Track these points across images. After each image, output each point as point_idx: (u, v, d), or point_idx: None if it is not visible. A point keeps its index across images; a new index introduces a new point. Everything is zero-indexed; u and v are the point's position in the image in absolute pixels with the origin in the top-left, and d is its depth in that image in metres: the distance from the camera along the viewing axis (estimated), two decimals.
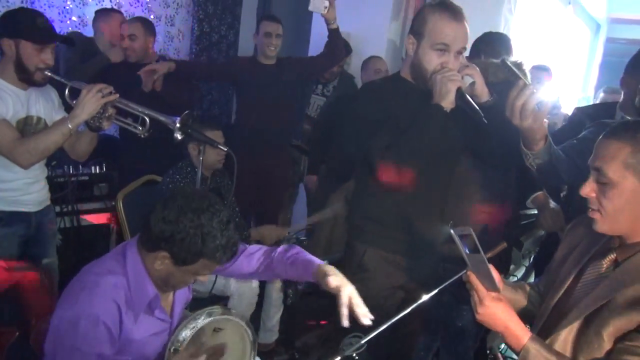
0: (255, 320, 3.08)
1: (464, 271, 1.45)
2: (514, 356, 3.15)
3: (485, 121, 1.81)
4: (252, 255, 1.88)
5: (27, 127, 2.29)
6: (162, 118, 2.16)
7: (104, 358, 1.50)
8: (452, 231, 1.39)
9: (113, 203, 2.92)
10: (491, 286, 1.39)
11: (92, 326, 1.44)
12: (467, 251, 1.40)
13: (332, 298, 3.68)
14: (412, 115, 1.89)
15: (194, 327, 1.66)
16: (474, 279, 1.40)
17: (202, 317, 1.69)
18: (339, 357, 1.59)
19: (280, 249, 1.86)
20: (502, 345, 3.22)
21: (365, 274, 2.04)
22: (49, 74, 2.26)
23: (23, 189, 2.35)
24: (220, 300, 2.78)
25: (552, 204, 2.49)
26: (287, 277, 1.89)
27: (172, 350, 1.65)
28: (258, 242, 2.91)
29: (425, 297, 1.71)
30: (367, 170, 2.02)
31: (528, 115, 1.63)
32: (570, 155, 1.91)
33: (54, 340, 1.46)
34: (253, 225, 3.73)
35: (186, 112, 2.15)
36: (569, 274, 1.50)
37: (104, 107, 2.20)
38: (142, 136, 2.21)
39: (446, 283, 1.82)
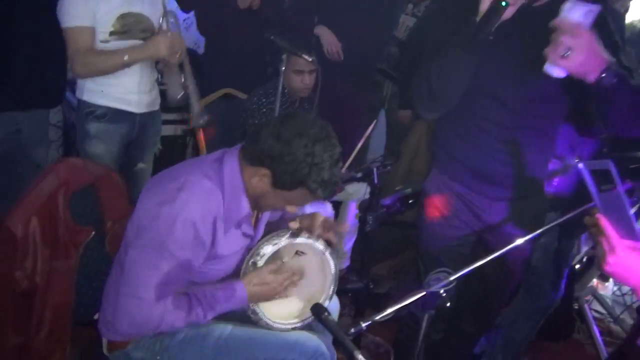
0: None
1: (584, 207, 1.23)
2: (601, 309, 2.93)
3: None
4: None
5: (128, 23, 2.25)
6: None
7: (190, 266, 1.45)
8: (581, 165, 1.16)
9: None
10: (628, 233, 1.15)
11: (187, 230, 1.39)
12: (598, 189, 1.17)
13: (407, 229, 3.55)
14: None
15: (276, 243, 1.57)
16: (604, 222, 1.17)
17: (286, 236, 1.58)
18: (424, 293, 1.46)
19: None
20: (589, 297, 3.00)
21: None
22: None
23: (129, 87, 2.34)
24: None
25: None
26: None
27: (250, 263, 1.57)
28: None
29: (520, 241, 1.54)
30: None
31: None
32: None
33: (142, 235, 1.41)
34: None
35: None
36: None
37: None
38: None
39: (553, 223, 1.63)
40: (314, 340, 1.62)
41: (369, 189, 2.07)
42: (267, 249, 1.56)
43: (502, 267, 1.83)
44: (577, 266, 2.99)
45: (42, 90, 2.40)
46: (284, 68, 2.11)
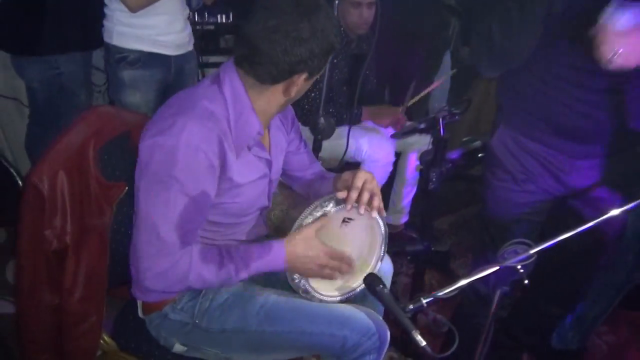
0: (384, 197, 2.82)
1: None
2: None
3: None
4: (315, 163, 1.71)
5: None
6: None
7: (206, 198, 1.30)
8: None
9: None
10: None
11: (192, 155, 1.23)
12: None
13: (471, 183, 3.30)
14: None
15: (322, 214, 1.39)
16: None
17: (331, 204, 1.40)
18: (498, 267, 1.25)
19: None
20: None
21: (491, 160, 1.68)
22: None
23: (161, 27, 2.19)
24: (350, 167, 2.52)
25: None
26: (315, 194, 1.65)
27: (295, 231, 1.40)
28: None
29: (616, 211, 1.29)
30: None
31: None
32: None
33: (145, 173, 1.27)
34: (387, 97, 3.33)
35: None
36: None
37: None
38: None
39: None
40: (365, 320, 1.46)
41: (431, 140, 1.84)
42: (313, 221, 1.40)
43: (590, 238, 1.58)
44: None
45: (81, 32, 2.28)
46: (337, 1, 1.86)
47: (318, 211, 1.40)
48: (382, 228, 1.53)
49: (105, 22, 2.23)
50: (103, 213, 1.44)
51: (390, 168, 2.64)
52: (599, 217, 1.26)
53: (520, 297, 1.83)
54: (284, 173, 1.69)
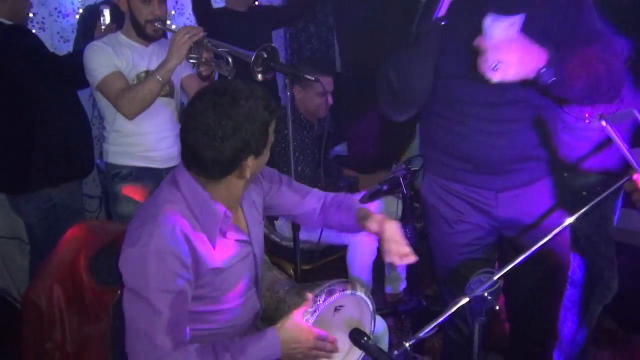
0: (378, 268, 2.88)
1: (627, 177, 1.09)
2: None
3: None
4: (310, 193, 1.75)
5: None
6: (241, 51, 1.98)
7: (185, 295, 1.35)
8: (604, 122, 1.03)
9: None
10: None
11: (162, 261, 1.30)
12: (629, 147, 1.03)
13: None
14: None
15: (315, 311, 1.46)
16: None
17: (322, 298, 1.47)
18: (468, 299, 1.33)
19: (332, 194, 1.75)
20: None
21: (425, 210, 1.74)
22: (160, 25, 2.29)
23: (151, 144, 2.38)
24: (335, 251, 2.59)
25: None
26: (337, 224, 1.73)
27: None
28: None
29: (569, 220, 1.38)
30: None
31: None
32: None
33: (125, 286, 1.34)
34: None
35: (265, 45, 1.95)
36: None
37: (199, 52, 2.17)
38: (229, 77, 2.08)
39: (600, 197, 1.47)
40: None
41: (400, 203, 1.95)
42: (308, 319, 1.45)
43: (548, 260, 1.65)
44: None
45: (69, 163, 2.47)
46: (290, 93, 2.05)
47: (311, 308, 1.46)
48: (370, 305, 1.60)
49: (103, 144, 2.45)
50: (100, 319, 1.53)
51: (376, 245, 2.70)
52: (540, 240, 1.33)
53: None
54: (294, 219, 1.76)
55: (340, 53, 3.62)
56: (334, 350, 1.50)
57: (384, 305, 2.74)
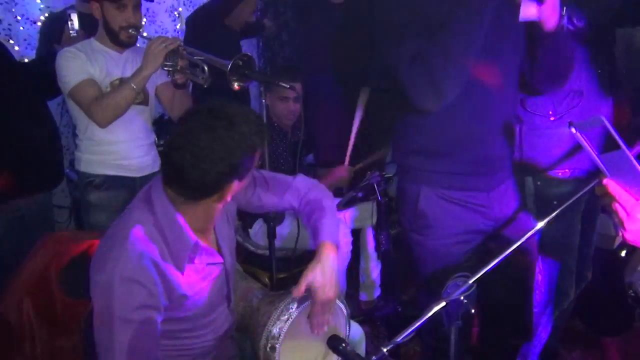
0: (353, 275, 2.89)
1: (595, 181, 1.11)
2: None
3: None
4: (289, 190, 1.69)
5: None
6: (217, 60, 1.97)
7: (152, 324, 1.32)
8: (573, 129, 1.05)
9: None
10: None
11: (128, 288, 1.27)
12: (598, 152, 1.06)
13: None
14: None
15: (287, 318, 1.47)
16: (614, 187, 1.05)
17: (295, 305, 1.48)
18: (444, 303, 1.34)
19: (307, 198, 1.69)
20: None
21: (423, 221, 1.73)
22: (134, 32, 2.26)
23: (124, 152, 2.35)
24: (310, 259, 2.59)
25: None
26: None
27: (268, 348, 1.47)
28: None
29: (541, 224, 1.42)
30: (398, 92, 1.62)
31: None
32: None
33: (94, 311, 1.31)
34: None
35: (241, 54, 1.94)
36: None
37: (174, 60, 2.15)
38: (205, 85, 2.08)
39: (569, 202, 1.51)
40: None
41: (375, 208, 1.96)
42: (281, 327, 1.46)
43: (523, 259, 1.69)
44: (623, 251, 2.81)
45: (38, 175, 2.41)
46: (264, 101, 2.05)
47: (284, 315, 1.47)
48: (345, 310, 1.62)
49: (75, 152, 2.41)
50: (72, 332, 1.49)
51: (350, 248, 2.73)
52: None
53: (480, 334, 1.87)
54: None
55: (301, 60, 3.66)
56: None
57: (358, 313, 2.76)
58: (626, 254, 2.84)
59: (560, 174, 1.94)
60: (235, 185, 1.37)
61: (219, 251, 1.52)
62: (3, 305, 1.38)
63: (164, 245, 1.35)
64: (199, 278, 1.44)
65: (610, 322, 2.72)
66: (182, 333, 1.46)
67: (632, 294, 2.78)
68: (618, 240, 2.52)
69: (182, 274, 1.38)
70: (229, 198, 1.39)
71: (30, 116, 2.44)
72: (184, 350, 1.47)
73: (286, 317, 1.46)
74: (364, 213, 2.81)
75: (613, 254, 2.65)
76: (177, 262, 1.37)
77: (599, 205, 2.24)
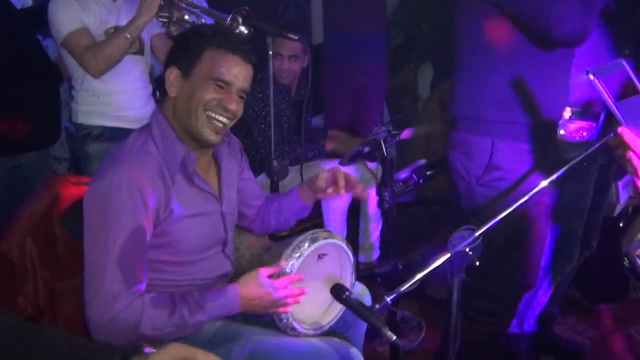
0: (352, 237, 2.90)
1: (612, 133, 1.10)
2: None
3: None
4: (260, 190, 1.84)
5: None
6: (217, 14, 1.94)
7: (143, 236, 1.33)
8: (591, 75, 1.04)
9: None
10: None
11: (123, 194, 1.30)
12: (615, 99, 1.04)
13: (431, 207, 3.40)
14: None
15: (299, 256, 1.47)
16: (630, 135, 1.03)
17: (307, 244, 1.48)
18: (449, 254, 1.34)
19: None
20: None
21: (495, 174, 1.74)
22: None
23: (122, 103, 2.33)
24: (309, 218, 2.60)
25: None
26: (284, 213, 1.82)
27: None
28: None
29: (544, 183, 1.42)
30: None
31: None
32: None
33: (86, 220, 1.33)
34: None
35: (240, 7, 1.91)
36: None
37: (170, 10, 2.11)
38: None
39: (585, 153, 1.50)
40: (346, 353, 1.49)
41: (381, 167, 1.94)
42: (293, 264, 1.46)
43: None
44: (621, 220, 2.82)
45: (33, 134, 2.38)
46: (271, 52, 2.02)
47: (296, 252, 1.47)
48: (351, 257, 1.63)
49: (72, 104, 2.38)
50: (74, 275, 1.49)
51: (349, 198, 2.72)
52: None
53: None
54: (243, 213, 1.75)
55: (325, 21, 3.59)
56: (301, 295, 1.48)
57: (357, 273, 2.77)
58: (624, 223, 2.86)
59: (577, 137, 1.93)
60: (176, 78, 1.44)
61: (217, 189, 1.56)
62: (5, 243, 1.37)
63: (159, 157, 1.40)
64: (191, 203, 1.45)
65: (605, 290, 2.75)
66: (168, 266, 1.46)
67: (628, 264, 2.81)
68: (619, 208, 2.52)
69: (174, 185, 1.41)
70: (172, 92, 1.44)
71: (24, 70, 2.39)
72: (168, 287, 1.45)
73: (298, 254, 1.47)
74: (365, 175, 2.80)
75: (613, 222, 2.65)
76: (171, 173, 1.41)
77: (612, 174, 2.24)
